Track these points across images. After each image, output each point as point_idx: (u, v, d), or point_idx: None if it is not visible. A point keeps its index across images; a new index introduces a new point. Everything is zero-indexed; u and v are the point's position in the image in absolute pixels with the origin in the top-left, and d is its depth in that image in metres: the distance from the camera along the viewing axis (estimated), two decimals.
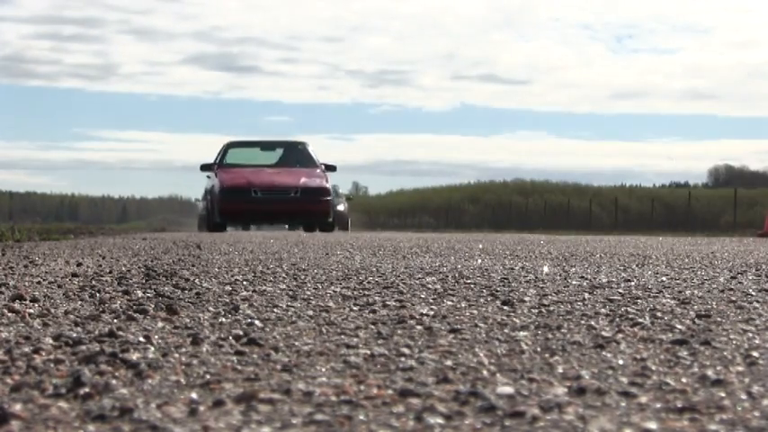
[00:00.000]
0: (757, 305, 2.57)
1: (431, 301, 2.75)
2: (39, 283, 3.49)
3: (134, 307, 2.56)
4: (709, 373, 1.56)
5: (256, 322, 2.24)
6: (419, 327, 2.16)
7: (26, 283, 3.44)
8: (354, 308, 2.57)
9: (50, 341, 1.92)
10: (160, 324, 2.22)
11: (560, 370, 1.60)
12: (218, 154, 22.59)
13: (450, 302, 2.69)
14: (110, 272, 4.14)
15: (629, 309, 2.49)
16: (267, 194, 21.37)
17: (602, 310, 2.47)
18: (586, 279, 3.57)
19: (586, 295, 2.89)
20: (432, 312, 2.44)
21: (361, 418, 1.26)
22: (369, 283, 3.42)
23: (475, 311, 2.46)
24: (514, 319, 2.31)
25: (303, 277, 3.71)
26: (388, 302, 2.69)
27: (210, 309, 2.54)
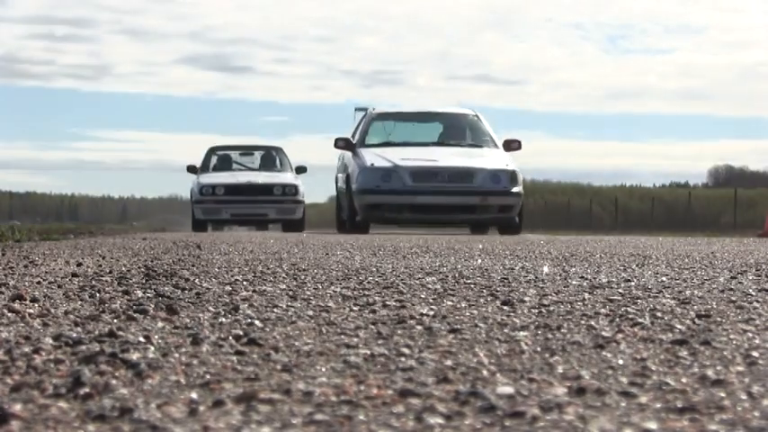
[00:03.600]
0: (757, 305, 2.57)
1: (431, 301, 2.75)
2: (39, 283, 3.49)
3: (134, 307, 2.56)
4: (710, 373, 1.56)
5: (256, 322, 2.24)
6: (419, 327, 2.16)
7: (26, 283, 3.44)
8: (354, 308, 2.57)
9: (50, 341, 1.92)
10: (160, 324, 2.22)
11: (560, 370, 1.60)
12: None
13: (450, 302, 2.69)
14: (110, 272, 4.14)
15: (629, 309, 2.49)
16: None
17: (602, 310, 2.47)
18: (586, 279, 3.57)
19: (586, 295, 2.89)
20: (432, 312, 2.44)
21: (361, 418, 1.26)
22: (369, 283, 3.42)
23: (475, 311, 2.46)
24: (514, 319, 2.31)
25: (303, 277, 3.71)
26: (388, 302, 2.69)
27: (210, 309, 2.54)
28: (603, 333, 2.04)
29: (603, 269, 4.23)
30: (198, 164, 24.52)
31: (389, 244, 8.06)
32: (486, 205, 16.01)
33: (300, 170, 24.59)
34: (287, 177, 23.96)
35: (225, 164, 24.48)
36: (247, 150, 25.72)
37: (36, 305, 2.67)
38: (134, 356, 1.72)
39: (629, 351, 1.80)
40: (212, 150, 25.22)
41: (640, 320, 2.24)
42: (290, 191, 23.19)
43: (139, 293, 3.02)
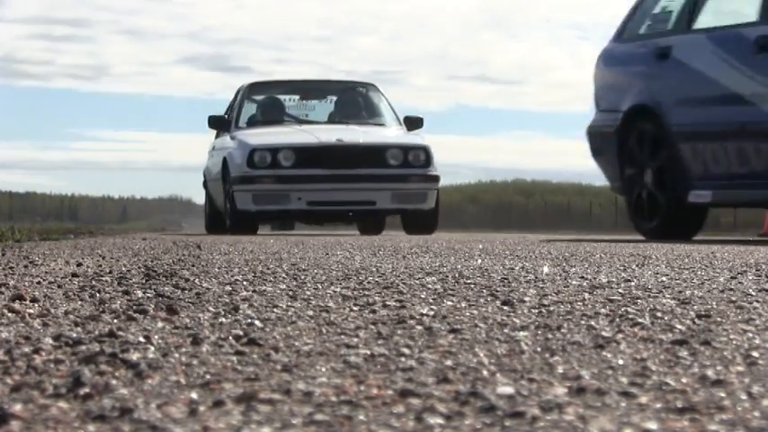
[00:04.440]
0: (757, 305, 2.57)
1: (431, 301, 2.75)
2: (39, 283, 3.49)
3: (134, 307, 2.56)
4: (709, 373, 1.56)
5: (256, 322, 2.24)
6: (419, 327, 2.16)
7: (26, 283, 3.44)
8: (354, 308, 2.57)
9: (50, 341, 1.92)
10: (160, 324, 2.22)
11: (560, 370, 1.60)
12: None
13: (450, 302, 2.69)
14: (110, 272, 4.14)
15: (629, 309, 2.49)
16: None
17: (602, 310, 2.47)
18: (586, 279, 3.57)
19: (586, 295, 2.89)
20: (432, 312, 2.44)
21: (361, 418, 1.26)
22: (369, 283, 3.42)
23: (475, 311, 2.46)
24: (514, 319, 2.31)
25: (303, 277, 3.71)
26: (388, 302, 2.69)
27: (210, 309, 2.54)
28: (603, 333, 2.04)
29: (603, 269, 4.23)
30: (228, 115, 13.93)
31: (389, 244, 8.06)
32: None
33: (413, 123, 13.77)
34: (403, 134, 13.37)
35: (272, 113, 13.85)
36: (314, 90, 14.46)
37: (36, 305, 2.67)
38: (134, 356, 1.72)
39: (629, 351, 1.80)
40: (250, 91, 14.06)
41: (640, 320, 2.24)
42: (418, 158, 12.75)
43: (139, 293, 3.02)
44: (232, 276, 3.79)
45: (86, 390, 1.43)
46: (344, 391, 1.42)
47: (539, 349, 1.83)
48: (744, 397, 1.37)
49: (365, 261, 5.01)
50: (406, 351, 1.80)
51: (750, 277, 3.66)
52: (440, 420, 1.24)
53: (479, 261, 5.00)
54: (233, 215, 12.75)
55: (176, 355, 1.75)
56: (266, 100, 14.12)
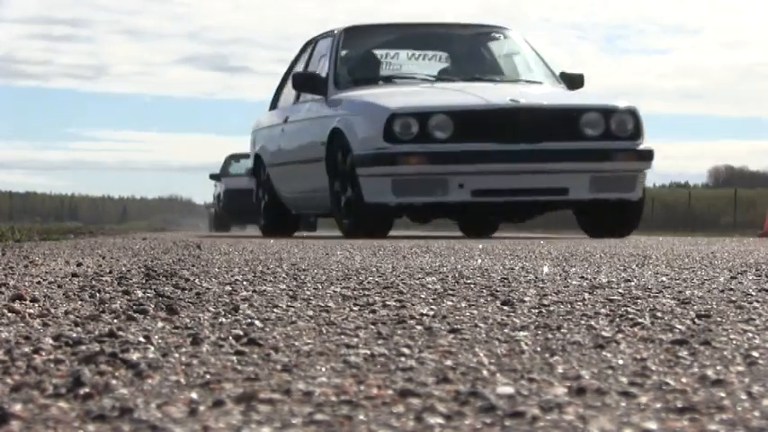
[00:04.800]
0: (757, 305, 2.57)
1: (431, 301, 2.75)
2: (39, 283, 3.49)
3: (134, 307, 2.56)
4: (710, 373, 1.56)
5: (256, 322, 2.24)
6: (419, 327, 2.16)
7: (26, 283, 3.44)
8: (354, 308, 2.57)
9: (50, 341, 1.92)
10: (160, 324, 2.22)
11: (560, 370, 1.60)
12: None
13: (450, 302, 2.69)
14: (110, 272, 4.14)
15: (629, 309, 2.49)
16: None
17: (602, 310, 2.47)
18: (586, 279, 3.57)
19: (586, 295, 2.89)
20: (432, 312, 2.44)
21: (361, 418, 1.26)
22: (369, 283, 3.42)
23: (475, 311, 2.46)
24: (514, 319, 2.31)
25: (303, 277, 3.71)
26: (388, 302, 2.69)
27: (210, 309, 2.54)
28: (603, 333, 2.04)
29: (603, 269, 4.23)
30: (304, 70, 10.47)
31: (389, 244, 8.06)
32: None
33: (573, 82, 10.19)
34: (585, 95, 9.77)
35: (367, 70, 10.18)
36: (432, 37, 10.85)
37: (36, 305, 2.67)
38: (134, 356, 1.72)
39: (629, 351, 1.80)
40: (348, 36, 10.29)
41: (640, 320, 2.24)
42: (623, 126, 9.03)
43: (139, 293, 3.02)
44: (232, 276, 3.79)
45: (86, 390, 1.43)
46: (344, 391, 1.42)
47: (539, 349, 1.83)
48: (744, 397, 1.37)
49: (365, 261, 5.01)
50: (406, 351, 1.80)
51: (750, 277, 3.66)
52: (440, 420, 1.24)
53: (479, 261, 5.00)
54: (359, 210, 9.05)
55: (176, 355, 1.75)
56: (359, 56, 10.23)
